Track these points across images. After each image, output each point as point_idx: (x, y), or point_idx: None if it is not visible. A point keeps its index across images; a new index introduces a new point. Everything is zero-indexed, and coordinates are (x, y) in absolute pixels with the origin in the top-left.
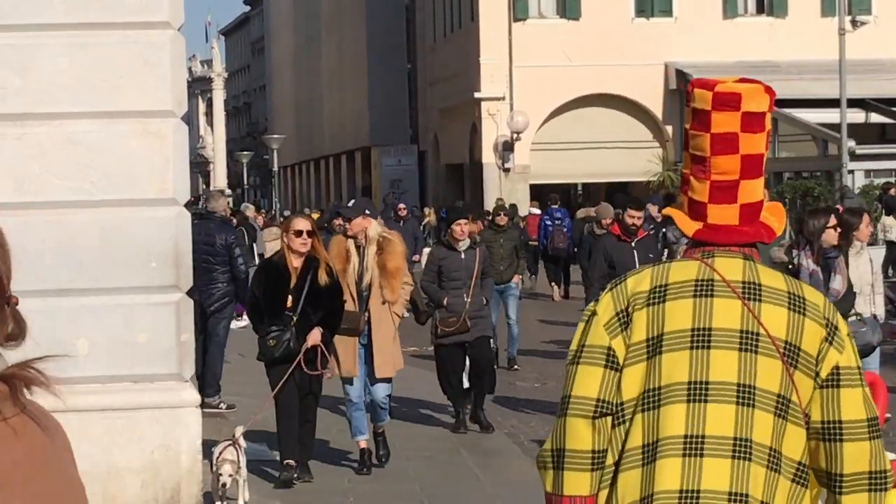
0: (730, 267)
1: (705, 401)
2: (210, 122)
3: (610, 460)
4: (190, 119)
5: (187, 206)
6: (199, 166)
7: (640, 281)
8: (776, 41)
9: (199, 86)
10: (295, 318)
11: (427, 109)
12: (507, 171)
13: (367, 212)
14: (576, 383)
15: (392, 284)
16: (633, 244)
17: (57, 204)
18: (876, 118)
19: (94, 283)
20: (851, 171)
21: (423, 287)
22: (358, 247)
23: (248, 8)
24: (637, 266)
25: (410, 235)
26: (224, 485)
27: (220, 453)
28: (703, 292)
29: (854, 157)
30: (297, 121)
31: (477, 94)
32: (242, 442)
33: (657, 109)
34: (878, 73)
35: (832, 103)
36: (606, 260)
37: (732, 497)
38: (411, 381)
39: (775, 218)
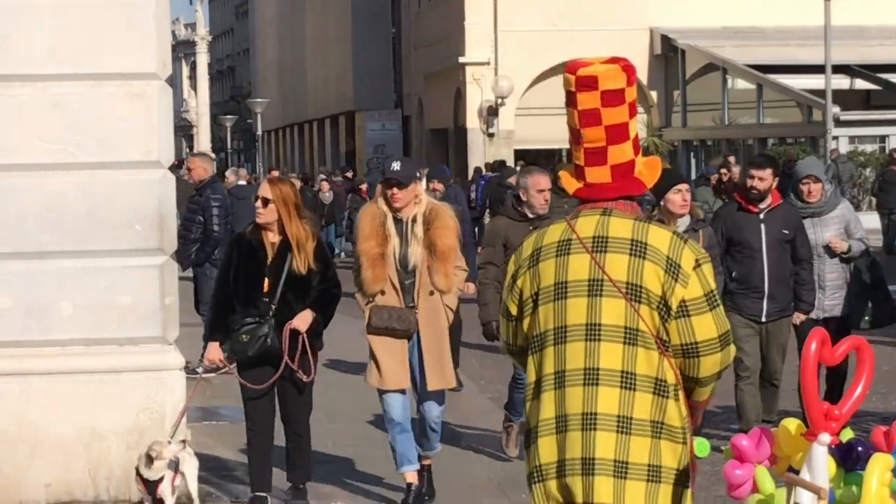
0: (586, 225)
1: (564, 342)
2: (194, 86)
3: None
4: (174, 83)
5: (171, 169)
6: (183, 130)
7: (528, 245)
8: (761, 6)
9: (182, 49)
10: (273, 307)
11: (411, 74)
12: (491, 136)
13: (418, 175)
14: (500, 330)
15: (445, 269)
16: (760, 215)
17: (40, 166)
18: (861, 84)
19: (78, 246)
20: (836, 138)
21: None
22: (397, 220)
23: None
24: (764, 243)
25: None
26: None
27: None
28: (562, 251)
29: (838, 123)
30: (282, 85)
31: (461, 59)
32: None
33: (642, 75)
34: (863, 39)
35: (817, 69)
36: (725, 236)
37: (585, 417)
38: None
39: (648, 172)
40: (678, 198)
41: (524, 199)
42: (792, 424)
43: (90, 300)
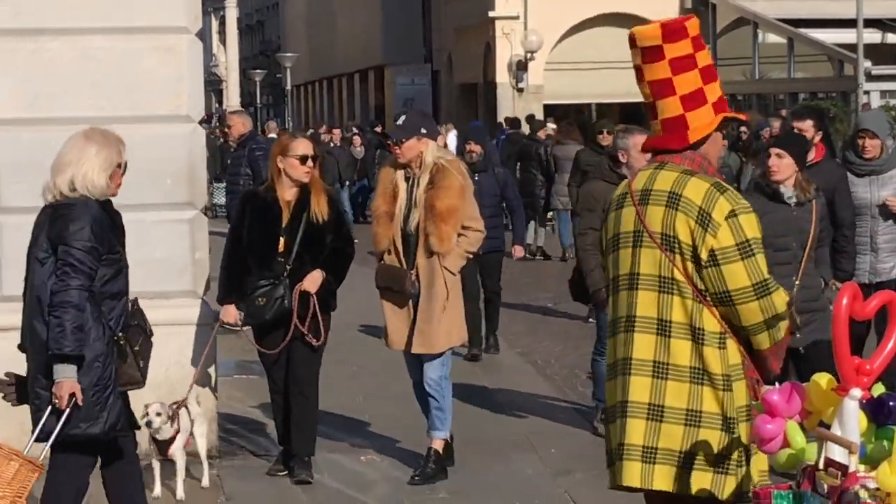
0: (640, 179)
1: (618, 290)
2: (223, 41)
3: None
4: (203, 37)
5: (201, 123)
6: (212, 84)
7: (609, 201)
8: None
9: (211, 3)
10: (289, 268)
11: (441, 28)
12: (520, 91)
13: (424, 131)
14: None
15: (441, 231)
16: None
17: (71, 120)
18: (892, 38)
19: None
20: (867, 92)
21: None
22: (408, 178)
23: None
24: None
25: (490, 190)
26: (149, 423)
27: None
28: (619, 205)
29: (870, 77)
30: (311, 39)
31: (491, 13)
32: (194, 407)
33: None
34: None
35: (848, 23)
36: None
37: (622, 361)
38: None
39: (701, 127)
40: (778, 163)
41: (624, 160)
42: (823, 379)
43: None
